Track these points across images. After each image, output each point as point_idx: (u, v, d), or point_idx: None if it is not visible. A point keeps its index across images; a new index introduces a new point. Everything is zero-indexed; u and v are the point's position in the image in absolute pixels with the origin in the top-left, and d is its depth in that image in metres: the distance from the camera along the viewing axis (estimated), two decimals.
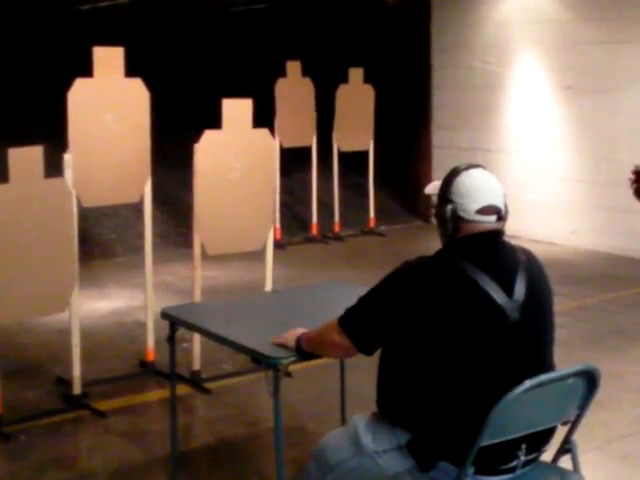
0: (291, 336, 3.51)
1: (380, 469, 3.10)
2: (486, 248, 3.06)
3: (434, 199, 3.22)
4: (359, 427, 3.22)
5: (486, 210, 3.06)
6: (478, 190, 3.08)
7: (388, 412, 3.14)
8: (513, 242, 3.18)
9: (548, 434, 3.13)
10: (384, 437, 3.11)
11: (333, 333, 3.22)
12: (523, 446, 3.02)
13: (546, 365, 3.08)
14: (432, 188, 3.26)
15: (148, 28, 12.38)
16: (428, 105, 11.54)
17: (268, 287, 6.07)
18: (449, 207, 3.09)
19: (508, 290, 2.98)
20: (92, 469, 4.74)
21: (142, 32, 12.01)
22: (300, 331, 3.51)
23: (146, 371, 6.01)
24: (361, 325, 3.15)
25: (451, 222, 3.08)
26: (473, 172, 3.13)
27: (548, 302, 3.15)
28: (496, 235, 3.10)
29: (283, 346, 3.52)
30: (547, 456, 3.24)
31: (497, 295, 2.95)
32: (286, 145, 9.79)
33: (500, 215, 3.09)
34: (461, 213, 3.07)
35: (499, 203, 3.10)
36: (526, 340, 3.01)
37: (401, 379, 3.08)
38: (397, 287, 3.05)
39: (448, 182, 3.13)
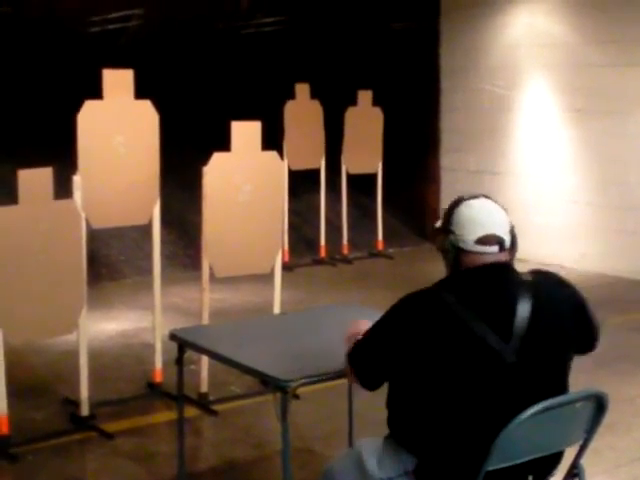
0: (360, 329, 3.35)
1: None
2: (485, 285, 2.98)
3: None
4: (363, 452, 3.20)
5: (485, 240, 3.00)
6: (476, 219, 3.02)
7: (397, 435, 3.12)
8: (525, 266, 3.13)
9: (555, 461, 3.11)
10: (390, 463, 3.10)
11: (347, 363, 3.22)
12: (530, 478, 3.01)
13: (550, 397, 3.00)
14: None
15: (157, 50, 12.43)
16: (436, 128, 11.56)
17: (276, 309, 6.07)
18: (450, 238, 3.04)
19: (505, 333, 2.90)
20: None
21: (151, 54, 12.06)
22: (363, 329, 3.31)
23: (154, 393, 6.01)
24: (363, 363, 3.14)
25: (451, 253, 3.04)
26: (473, 202, 3.08)
27: (559, 332, 3.04)
28: (498, 268, 3.01)
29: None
30: None
31: (491, 339, 2.88)
32: (295, 167, 9.80)
33: (503, 245, 3.02)
34: (461, 244, 3.01)
35: (501, 233, 3.02)
36: (524, 379, 2.94)
37: (407, 405, 3.06)
38: (393, 323, 3.03)
39: (449, 213, 3.09)
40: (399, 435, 3.10)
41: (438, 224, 3.18)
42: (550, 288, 3.10)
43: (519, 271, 3.08)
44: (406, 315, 2.98)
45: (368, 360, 3.12)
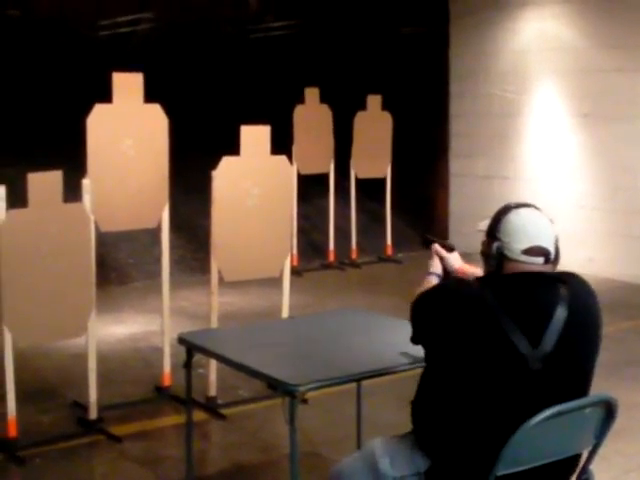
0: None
1: None
2: (524, 291, 2.98)
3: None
4: (376, 452, 3.21)
5: (532, 251, 3.00)
6: (525, 230, 3.02)
7: (417, 432, 3.13)
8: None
9: (569, 469, 3.11)
10: (402, 462, 3.11)
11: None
12: None
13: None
14: (484, 224, 3.19)
15: (167, 54, 12.46)
16: (446, 133, 11.55)
17: (285, 314, 6.06)
18: (495, 244, 3.04)
19: (534, 339, 2.90)
20: None
21: (161, 58, 12.09)
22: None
23: (162, 396, 6.01)
24: (412, 317, 3.18)
25: (495, 259, 3.04)
26: (522, 211, 3.08)
27: (587, 346, 3.05)
28: (540, 277, 3.01)
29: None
30: None
31: (520, 343, 2.88)
32: (304, 172, 9.80)
33: (548, 257, 3.03)
34: (506, 252, 3.01)
35: (548, 245, 3.03)
36: (545, 388, 2.93)
37: (429, 403, 3.08)
38: (433, 302, 3.09)
39: (497, 219, 3.08)
40: (418, 433, 3.11)
41: (482, 227, 3.18)
42: (586, 301, 3.11)
43: (557, 277, 3.08)
44: (448, 302, 3.02)
45: (413, 318, 3.16)
